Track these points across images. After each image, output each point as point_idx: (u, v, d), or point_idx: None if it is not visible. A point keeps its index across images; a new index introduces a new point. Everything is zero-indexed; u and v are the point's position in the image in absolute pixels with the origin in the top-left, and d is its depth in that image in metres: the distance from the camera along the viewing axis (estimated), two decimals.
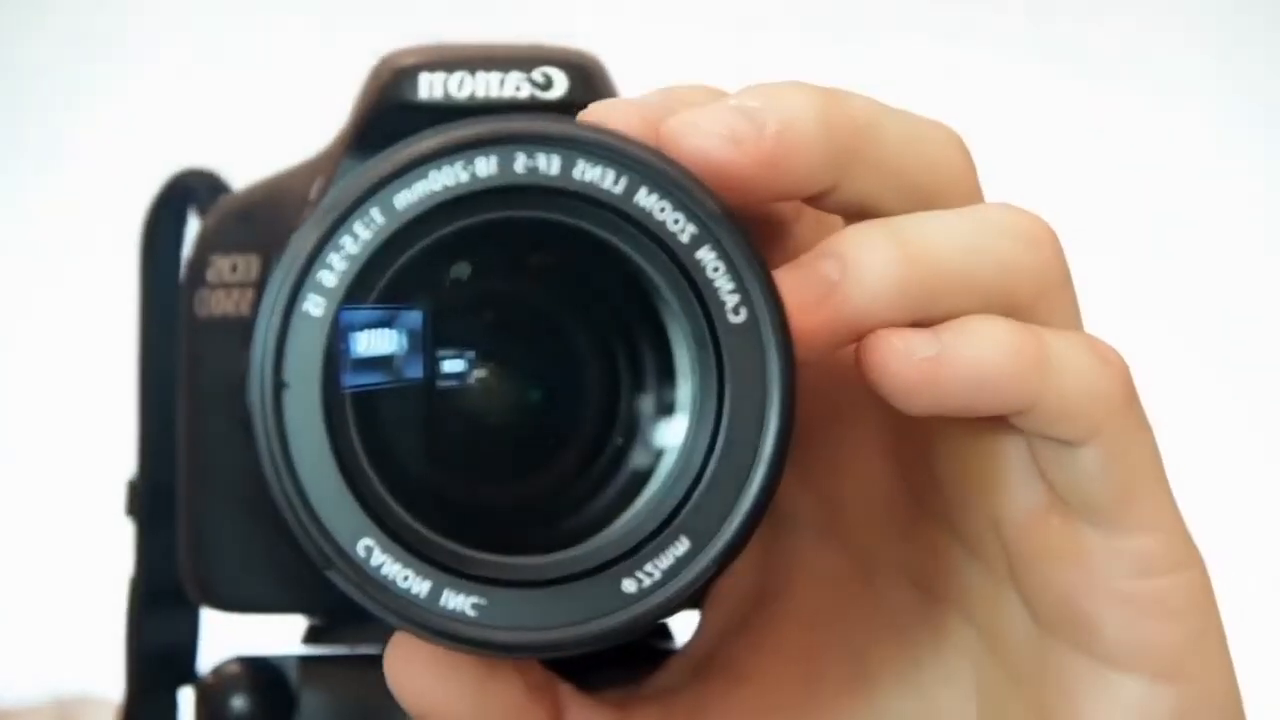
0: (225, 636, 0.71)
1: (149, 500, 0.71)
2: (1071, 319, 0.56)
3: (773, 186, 0.54)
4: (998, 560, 0.58)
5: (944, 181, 0.56)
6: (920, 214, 0.55)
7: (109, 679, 0.77)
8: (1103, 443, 0.55)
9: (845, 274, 0.54)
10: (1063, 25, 1.56)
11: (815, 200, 0.56)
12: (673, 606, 0.53)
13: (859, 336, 0.55)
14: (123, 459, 0.73)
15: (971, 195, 0.57)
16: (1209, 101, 1.56)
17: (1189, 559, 0.56)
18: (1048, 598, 0.56)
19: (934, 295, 0.55)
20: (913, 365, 0.54)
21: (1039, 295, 0.55)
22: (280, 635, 0.69)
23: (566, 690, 0.59)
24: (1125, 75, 1.56)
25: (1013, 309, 0.55)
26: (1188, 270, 1.54)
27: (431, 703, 0.57)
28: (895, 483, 0.60)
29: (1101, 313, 0.62)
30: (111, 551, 0.77)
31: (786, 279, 0.54)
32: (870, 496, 0.60)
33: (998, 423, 0.56)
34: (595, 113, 0.55)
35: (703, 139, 0.54)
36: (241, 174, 0.72)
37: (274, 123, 1.37)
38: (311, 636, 0.69)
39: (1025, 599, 0.57)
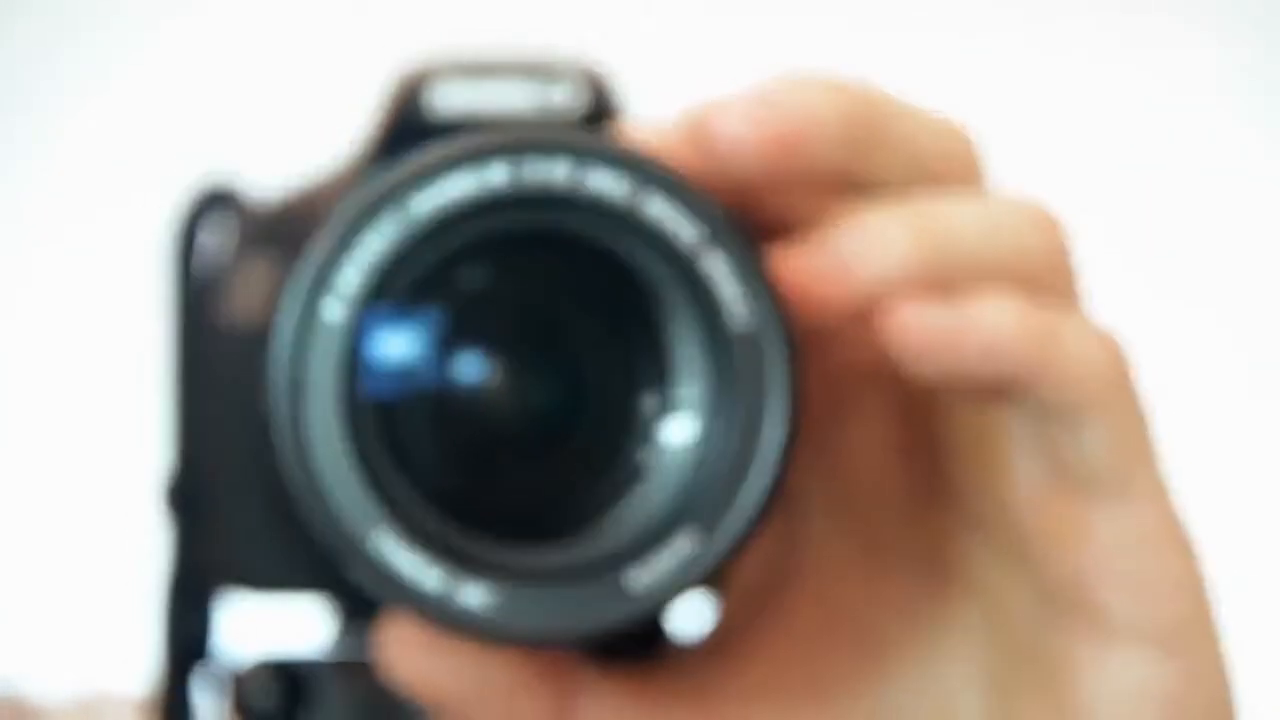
0: (251, 633, 0.72)
1: (184, 498, 0.72)
2: (1077, 302, 0.58)
3: (789, 168, 0.56)
4: (1004, 541, 0.59)
5: (954, 171, 0.58)
6: (936, 196, 0.57)
7: (131, 677, 0.78)
8: (1104, 417, 0.56)
9: (862, 245, 0.56)
10: (1076, 12, 1.56)
11: (831, 186, 0.58)
12: (678, 600, 0.54)
13: (871, 309, 0.56)
14: (143, 462, 0.74)
15: (980, 186, 0.59)
16: (1216, 93, 1.56)
17: (1184, 536, 0.58)
18: (1052, 575, 0.58)
19: (946, 271, 0.56)
20: (928, 330, 0.55)
21: (1047, 278, 0.57)
22: (307, 636, 0.70)
23: (577, 665, 0.60)
24: (1135, 64, 1.56)
25: (1021, 289, 0.57)
26: (1196, 261, 1.55)
27: (428, 684, 0.59)
28: (903, 467, 0.61)
29: (1111, 301, 0.64)
30: (135, 551, 0.78)
31: (805, 250, 0.56)
32: (879, 481, 0.62)
33: (1003, 400, 0.58)
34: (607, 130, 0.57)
35: (726, 121, 0.56)
36: (258, 177, 0.73)
37: (290, 126, 1.38)
38: (342, 625, 0.70)
39: (1030, 577, 0.59)
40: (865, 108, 0.57)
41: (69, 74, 1.56)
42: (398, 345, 0.55)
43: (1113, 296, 0.66)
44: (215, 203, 0.72)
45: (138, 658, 0.75)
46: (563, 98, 0.65)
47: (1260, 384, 1.52)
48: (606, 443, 0.58)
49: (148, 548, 0.74)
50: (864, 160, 0.57)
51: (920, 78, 0.61)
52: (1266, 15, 1.53)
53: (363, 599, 0.60)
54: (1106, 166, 1.53)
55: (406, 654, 0.59)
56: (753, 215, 0.57)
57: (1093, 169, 1.51)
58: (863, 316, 0.57)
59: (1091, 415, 0.56)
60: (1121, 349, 0.57)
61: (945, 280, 0.56)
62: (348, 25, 1.52)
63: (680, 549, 0.54)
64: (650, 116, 0.58)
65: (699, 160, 0.56)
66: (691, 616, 0.65)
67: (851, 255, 0.56)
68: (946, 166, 0.58)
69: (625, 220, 0.54)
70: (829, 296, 0.56)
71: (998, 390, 0.57)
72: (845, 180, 0.57)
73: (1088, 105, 1.55)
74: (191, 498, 0.70)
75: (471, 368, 0.58)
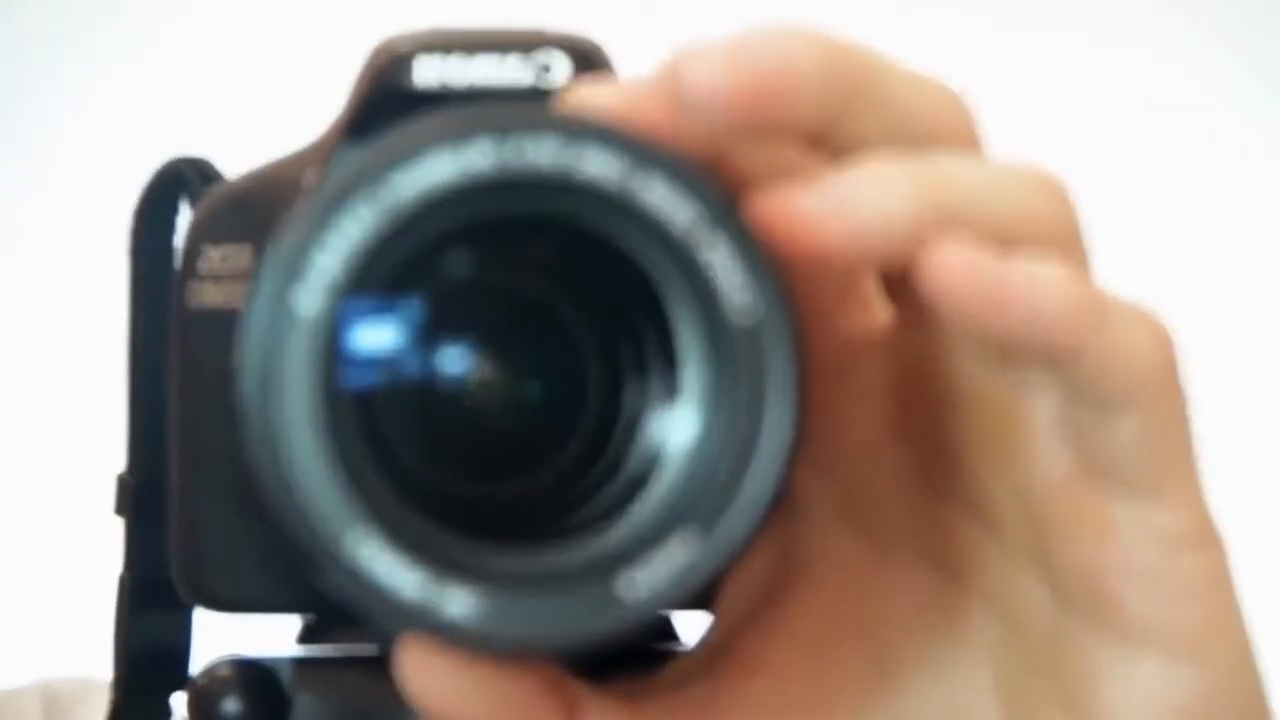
0: (218, 637, 0.71)
1: (139, 497, 0.71)
2: (1091, 275, 0.55)
3: (773, 117, 0.53)
4: (1018, 536, 0.57)
5: (946, 134, 0.56)
6: (934, 153, 0.55)
7: (100, 666, 0.77)
8: (1143, 409, 0.54)
9: (860, 189, 0.53)
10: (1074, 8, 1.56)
11: (814, 143, 0.55)
12: (676, 607, 0.52)
13: (867, 259, 0.53)
14: (115, 450, 0.73)
15: (976, 152, 0.56)
16: (1216, 92, 1.56)
17: (1212, 537, 0.55)
18: (1070, 572, 0.55)
19: (947, 225, 0.53)
20: (975, 278, 0.52)
21: (1054, 244, 0.54)
22: (274, 636, 0.68)
23: (579, 685, 0.58)
24: (1133, 60, 1.55)
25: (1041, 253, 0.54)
26: (1196, 256, 1.54)
27: (445, 703, 0.57)
28: (909, 462, 0.59)
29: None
30: (104, 541, 0.76)
31: (799, 191, 0.53)
32: (884, 478, 0.59)
33: (1026, 383, 0.55)
34: (581, 95, 0.54)
35: (702, 66, 0.53)
36: (233, 161, 0.71)
37: (267, 108, 1.36)
38: (306, 636, 0.68)
39: (1047, 574, 0.56)
40: (851, 61, 0.54)
41: (59, 71, 1.55)
42: (377, 337, 0.53)
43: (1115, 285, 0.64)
44: (183, 179, 0.71)
45: (105, 646, 0.74)
46: (550, 72, 0.63)
47: (1261, 380, 1.52)
48: (599, 440, 0.56)
49: (117, 539, 0.73)
50: (848, 116, 0.54)
51: (920, 59, 0.59)
52: (1266, 14, 1.52)
53: (339, 618, 0.58)
54: (1104, 161, 1.52)
55: (423, 670, 0.56)
56: (724, 174, 0.55)
57: (1089, 163, 1.51)
58: (856, 256, 0.54)
59: (1132, 404, 0.54)
60: (1170, 335, 0.54)
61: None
62: (345, 16, 1.51)
63: (678, 552, 0.52)
64: (603, 92, 0.55)
65: (668, 111, 0.54)
66: (690, 626, 0.63)
67: (849, 194, 0.53)
68: (938, 129, 0.55)
69: (619, 203, 0.52)
70: (820, 234, 0.53)
71: (1034, 357, 0.54)
72: (827, 138, 0.55)
73: (1085, 99, 1.54)
74: (149, 499, 0.69)
75: (456, 361, 0.56)
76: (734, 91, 0.53)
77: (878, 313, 0.60)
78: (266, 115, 1.43)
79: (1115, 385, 0.53)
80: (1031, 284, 0.53)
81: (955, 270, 0.52)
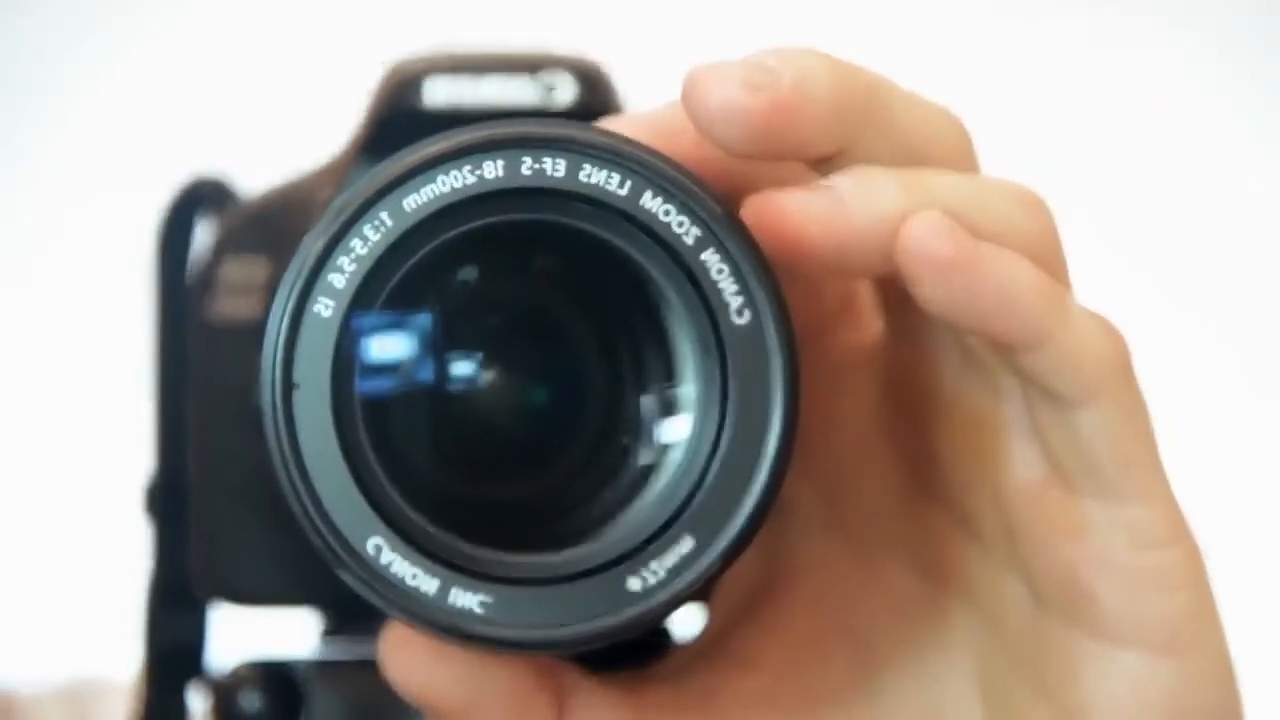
0: (239, 636, 0.72)
1: (166, 499, 0.72)
2: (1068, 286, 0.57)
3: (786, 138, 0.55)
4: (998, 539, 0.58)
5: (945, 157, 0.57)
6: (926, 170, 0.56)
7: (120, 668, 0.78)
8: (1102, 406, 0.55)
9: (854, 195, 0.55)
10: (1066, 14, 1.56)
11: (820, 166, 0.57)
12: (677, 604, 0.54)
13: (856, 260, 0.55)
14: (137, 455, 0.74)
15: (971, 172, 0.58)
16: (1214, 93, 1.56)
17: (1184, 532, 0.57)
18: (1048, 572, 0.57)
19: None
20: (950, 252, 0.54)
21: (1032, 253, 0.56)
22: (293, 638, 0.70)
23: (572, 673, 0.60)
24: (1131, 64, 1.56)
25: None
26: (1185, 259, 1.55)
27: (428, 690, 0.58)
28: (895, 468, 0.61)
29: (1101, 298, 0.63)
30: (123, 544, 0.77)
31: (798, 192, 0.55)
32: (871, 483, 0.61)
33: (1002, 393, 0.57)
34: (601, 125, 0.56)
35: (722, 84, 0.54)
36: (248, 175, 0.73)
37: (281, 124, 1.37)
38: (327, 634, 0.69)
39: (1025, 576, 0.58)
40: (860, 85, 0.56)
41: (63, 73, 1.56)
42: (391, 344, 0.55)
43: (1102, 295, 0.65)
44: (203, 197, 0.72)
45: (126, 647, 0.75)
46: (556, 91, 0.64)
47: (1251, 381, 1.52)
48: (604, 444, 0.57)
49: (136, 540, 0.74)
50: (855, 137, 0.56)
51: (919, 77, 0.61)
52: (1267, 14, 1.53)
53: (353, 611, 0.60)
54: (1098, 165, 1.53)
55: (406, 661, 0.58)
56: (736, 190, 0.56)
57: (1084, 167, 1.52)
58: (849, 260, 0.56)
59: (1091, 398, 0.55)
60: (1124, 339, 0.56)
61: None
62: (343, 22, 1.51)
63: (679, 552, 0.54)
64: (619, 120, 0.57)
65: (682, 128, 0.55)
66: (685, 624, 0.64)
67: (840, 197, 0.55)
68: (937, 151, 0.57)
69: (623, 216, 0.53)
70: (815, 232, 0.55)
71: (998, 342, 0.55)
72: (833, 157, 0.56)
73: (1080, 105, 1.55)
74: (173, 502, 0.70)
75: (466, 367, 0.57)
76: (753, 110, 0.55)
77: (870, 326, 0.61)
78: (272, 121, 1.44)
79: (1075, 378, 0.55)
80: (1003, 266, 0.54)
81: (930, 237, 0.54)
